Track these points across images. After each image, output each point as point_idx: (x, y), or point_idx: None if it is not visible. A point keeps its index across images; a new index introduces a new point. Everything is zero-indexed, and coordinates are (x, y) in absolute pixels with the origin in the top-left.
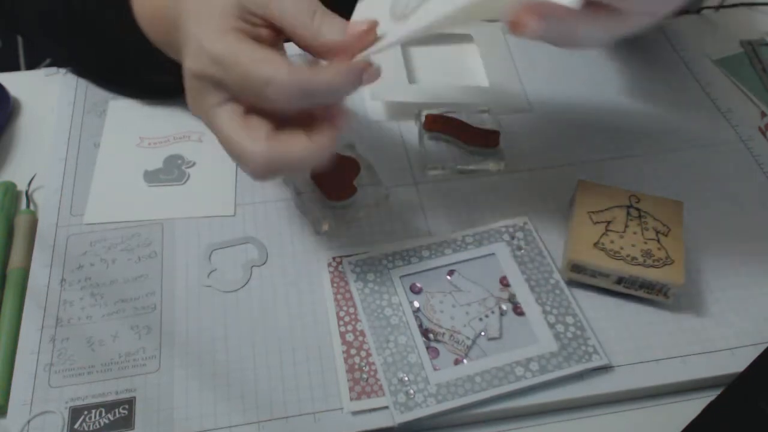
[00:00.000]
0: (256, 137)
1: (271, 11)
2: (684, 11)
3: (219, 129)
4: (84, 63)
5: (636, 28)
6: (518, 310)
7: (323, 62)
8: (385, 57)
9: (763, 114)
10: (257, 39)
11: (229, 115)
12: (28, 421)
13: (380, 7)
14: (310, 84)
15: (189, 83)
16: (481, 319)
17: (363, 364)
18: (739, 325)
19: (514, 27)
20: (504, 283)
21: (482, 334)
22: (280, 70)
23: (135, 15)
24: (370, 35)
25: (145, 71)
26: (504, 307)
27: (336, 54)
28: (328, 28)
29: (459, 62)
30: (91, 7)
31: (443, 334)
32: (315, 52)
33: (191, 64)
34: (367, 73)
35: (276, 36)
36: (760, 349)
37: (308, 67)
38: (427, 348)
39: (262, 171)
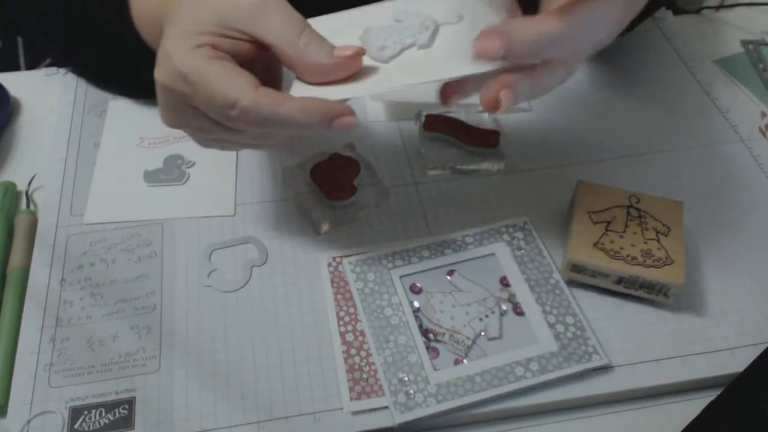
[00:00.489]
0: (246, 84)
1: (255, 28)
2: (684, 11)
3: (208, 80)
4: (84, 63)
5: (591, 51)
6: (518, 310)
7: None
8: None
9: (763, 114)
10: (237, 53)
11: (219, 65)
12: (28, 421)
13: (342, 29)
14: (273, 114)
15: (160, 95)
16: (481, 319)
17: (363, 364)
18: (739, 325)
19: (493, 107)
20: (504, 283)
21: (482, 334)
22: (246, 94)
23: (133, 17)
24: (357, 62)
25: (145, 71)
26: (504, 307)
27: (318, 76)
28: (315, 49)
29: None
30: (91, 8)
31: (443, 334)
32: (298, 72)
33: (161, 76)
34: (340, 121)
35: (259, 51)
36: (760, 349)
37: (278, 94)
38: (427, 348)
39: (252, 116)
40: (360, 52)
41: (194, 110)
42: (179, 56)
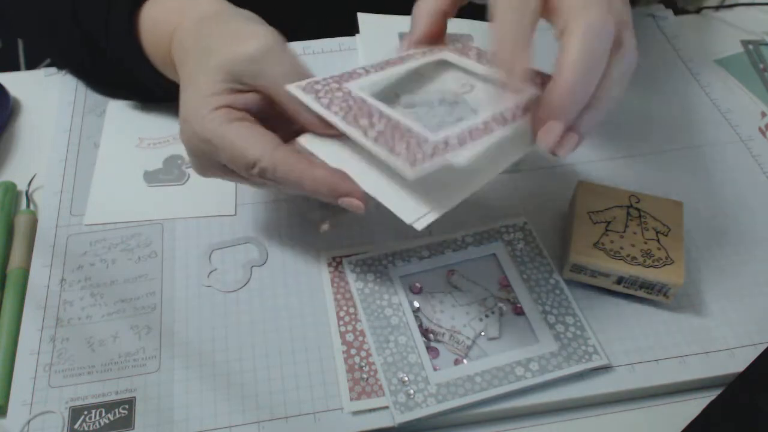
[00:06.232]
0: (266, 144)
1: (257, 80)
2: (684, 11)
3: (229, 143)
4: (83, 71)
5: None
6: (518, 310)
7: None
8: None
9: (763, 114)
10: (254, 107)
11: (238, 128)
12: (28, 421)
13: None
14: (288, 176)
15: (188, 153)
16: (481, 319)
17: (363, 364)
18: (738, 325)
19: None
20: (504, 283)
21: (482, 334)
22: (266, 154)
23: (144, 49)
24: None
25: (145, 83)
26: (504, 307)
27: (314, 130)
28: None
29: None
30: (95, 28)
31: (443, 334)
32: (299, 125)
33: (185, 139)
34: (345, 200)
35: (270, 103)
36: (760, 349)
37: (295, 158)
38: (427, 348)
39: (269, 175)
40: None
41: (221, 165)
42: (199, 122)
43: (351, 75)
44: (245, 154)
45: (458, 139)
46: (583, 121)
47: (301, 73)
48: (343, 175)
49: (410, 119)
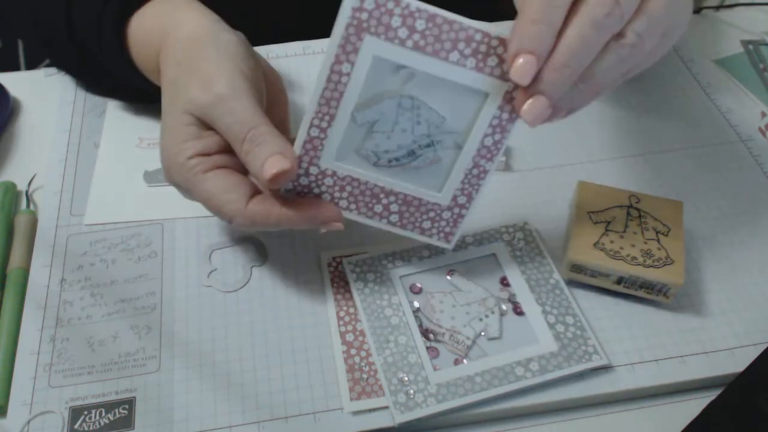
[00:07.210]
0: (238, 201)
1: (214, 124)
2: None
3: (204, 197)
4: (79, 75)
5: (652, 55)
6: (518, 310)
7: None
8: None
9: (763, 114)
10: (221, 145)
11: (213, 181)
12: (28, 421)
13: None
14: (265, 223)
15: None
16: (481, 319)
17: (363, 364)
18: (739, 325)
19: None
20: (504, 283)
21: (482, 334)
22: (239, 211)
23: (133, 58)
24: (282, 181)
25: (138, 87)
26: (504, 307)
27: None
28: (251, 159)
29: None
30: (92, 47)
31: (443, 334)
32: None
33: (167, 179)
34: (327, 226)
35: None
36: (760, 349)
37: (267, 204)
38: (427, 348)
39: (247, 226)
40: (289, 171)
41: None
42: (177, 171)
43: (313, 144)
44: (221, 209)
45: (464, 195)
46: (564, 100)
47: (253, 121)
48: (318, 203)
49: (407, 180)
